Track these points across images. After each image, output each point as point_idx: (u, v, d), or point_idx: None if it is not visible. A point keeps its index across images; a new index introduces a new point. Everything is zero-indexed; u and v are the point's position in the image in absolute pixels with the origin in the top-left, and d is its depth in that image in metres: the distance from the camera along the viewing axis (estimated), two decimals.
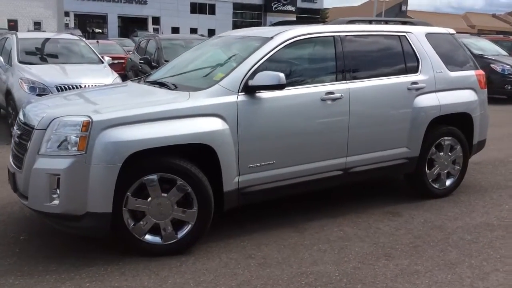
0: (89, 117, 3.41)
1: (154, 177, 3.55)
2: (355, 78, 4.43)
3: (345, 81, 4.36)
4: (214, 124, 3.72)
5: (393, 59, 4.78)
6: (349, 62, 4.42)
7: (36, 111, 3.85)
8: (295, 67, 4.41)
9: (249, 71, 3.93)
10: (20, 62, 8.34)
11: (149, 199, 3.59)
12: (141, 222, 3.61)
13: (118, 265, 3.50)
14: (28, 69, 8.08)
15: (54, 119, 3.49)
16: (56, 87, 7.46)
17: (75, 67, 8.54)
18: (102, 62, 9.05)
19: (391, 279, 3.38)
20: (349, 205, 4.79)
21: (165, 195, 3.60)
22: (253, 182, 3.97)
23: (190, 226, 3.68)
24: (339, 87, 4.32)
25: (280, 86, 3.86)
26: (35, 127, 3.55)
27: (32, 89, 7.49)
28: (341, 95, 4.28)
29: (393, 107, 4.63)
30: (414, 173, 4.91)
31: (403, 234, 4.15)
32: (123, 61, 15.57)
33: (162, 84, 4.27)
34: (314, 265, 3.56)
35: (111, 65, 9.32)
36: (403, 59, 4.78)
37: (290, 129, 4.07)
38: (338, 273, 3.45)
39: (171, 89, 4.08)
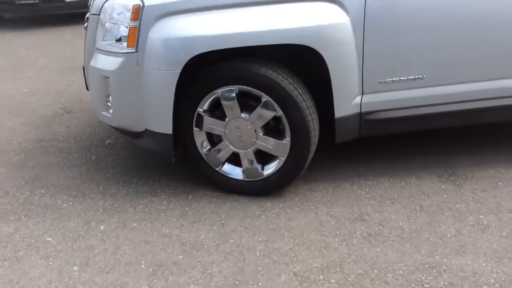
0: (141, 0, 2.43)
1: (230, 90, 2.50)
2: None
3: None
4: (323, 15, 2.41)
5: None
6: None
7: None
8: None
9: None
10: None
11: (226, 119, 2.59)
12: (216, 148, 2.67)
13: (183, 200, 2.70)
14: None
15: (106, 1, 2.60)
16: None
17: None
18: None
19: None
20: None
21: (246, 116, 2.55)
22: (385, 106, 2.64)
23: (279, 162, 2.61)
24: None
25: None
26: (90, 13, 2.74)
27: None
28: None
29: None
30: None
31: None
32: None
33: None
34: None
35: None
36: None
37: (460, 24, 2.51)
38: None
39: None
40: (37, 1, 8.00)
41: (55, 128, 3.74)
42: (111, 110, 2.67)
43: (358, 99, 2.59)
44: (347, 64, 2.49)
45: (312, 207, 2.58)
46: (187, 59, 2.39)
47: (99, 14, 2.64)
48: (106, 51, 2.59)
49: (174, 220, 2.52)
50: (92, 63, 2.70)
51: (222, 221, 2.48)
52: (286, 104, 2.46)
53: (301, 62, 2.61)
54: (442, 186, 2.72)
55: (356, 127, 2.67)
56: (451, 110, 2.70)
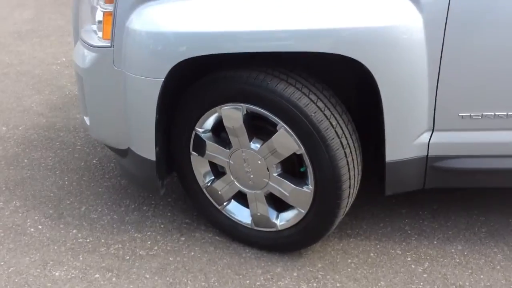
0: None
1: (235, 108, 1.76)
2: None
3: None
4: (382, 14, 1.56)
5: None
6: None
7: None
8: None
9: None
10: None
11: (231, 147, 1.86)
12: (219, 182, 1.96)
13: (172, 242, 2.05)
14: None
15: None
16: None
17: None
18: None
19: None
20: None
21: (257, 147, 1.80)
22: (466, 150, 1.76)
23: (298, 214, 1.85)
24: None
25: None
26: None
27: None
28: None
29: None
30: None
31: None
32: None
33: None
34: None
35: None
36: None
37: None
38: None
39: None
40: None
41: (70, 114, 3.23)
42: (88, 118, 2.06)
43: (425, 137, 1.73)
44: (411, 86, 1.63)
45: (338, 285, 1.81)
46: (173, 64, 1.67)
47: None
48: (83, 41, 1.94)
49: (147, 276, 1.89)
50: (74, 51, 2.08)
51: None
52: (311, 139, 1.67)
53: (347, 79, 1.80)
54: None
55: (420, 176, 1.82)
56: None
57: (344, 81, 1.86)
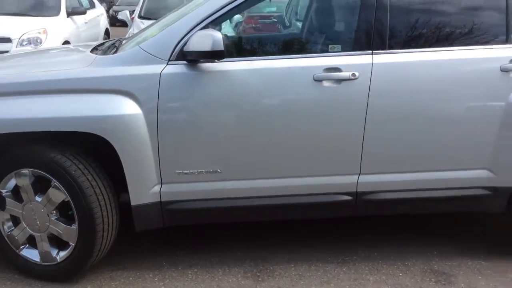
0: None
1: (23, 172, 2.53)
2: (392, 46, 2.65)
3: (368, 51, 2.62)
4: (114, 106, 2.49)
5: (481, 13, 2.76)
6: (383, 17, 2.63)
7: None
8: (278, 25, 2.95)
9: (192, 29, 2.54)
10: None
11: (23, 202, 2.60)
12: (15, 230, 2.66)
13: None
14: None
15: None
16: None
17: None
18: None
19: None
20: (380, 247, 3.06)
21: (40, 199, 2.56)
22: (186, 196, 2.66)
23: (71, 247, 2.59)
24: (352, 60, 2.61)
25: (215, 54, 2.41)
26: None
27: None
28: (355, 74, 2.58)
29: (462, 99, 2.68)
30: (506, 214, 2.90)
31: None
32: None
33: (111, 47, 3.09)
34: None
35: None
36: (503, 15, 2.73)
37: (251, 124, 2.59)
38: None
39: (96, 53, 2.91)
40: None
41: None
42: None
43: (157, 188, 2.61)
44: (141, 153, 2.53)
45: None
46: None
47: None
48: None
49: None
50: None
51: None
52: (73, 189, 2.48)
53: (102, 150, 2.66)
54: (242, 282, 2.67)
55: (158, 216, 2.66)
56: (260, 204, 2.71)
57: (98, 149, 2.67)
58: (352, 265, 2.85)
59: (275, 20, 8.27)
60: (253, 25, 8.85)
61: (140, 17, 7.95)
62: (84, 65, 2.59)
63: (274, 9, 9.98)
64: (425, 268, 2.84)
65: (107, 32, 10.19)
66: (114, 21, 15.14)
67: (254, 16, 9.49)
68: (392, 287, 2.66)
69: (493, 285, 2.69)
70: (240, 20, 8.96)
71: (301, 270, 2.80)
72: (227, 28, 7.65)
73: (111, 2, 25.98)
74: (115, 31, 11.77)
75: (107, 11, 21.25)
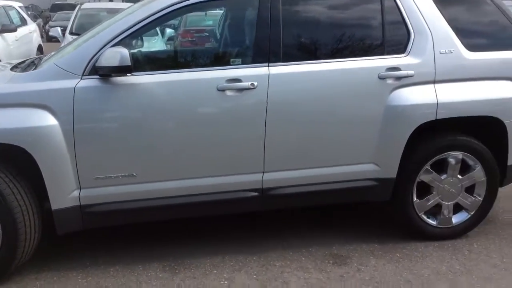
0: None
1: None
2: (286, 58, 3.01)
3: (265, 64, 2.98)
4: (32, 119, 2.71)
5: (361, 29, 3.19)
6: (277, 33, 2.99)
7: None
8: (210, 39, 3.18)
9: (104, 46, 2.81)
10: None
11: None
12: None
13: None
14: None
15: None
16: None
17: None
18: None
19: None
20: (288, 238, 3.41)
21: None
22: (103, 199, 2.90)
23: None
24: (251, 71, 2.96)
25: (123, 69, 2.70)
26: None
27: None
28: (254, 84, 2.92)
29: (344, 104, 3.08)
30: (393, 202, 3.33)
31: None
32: None
33: (30, 64, 3.29)
34: None
35: None
36: (380, 31, 3.16)
37: (161, 130, 2.88)
38: None
39: (16, 71, 3.12)
40: None
41: None
42: None
43: (76, 193, 2.84)
44: (59, 161, 2.76)
45: None
46: None
47: None
48: None
49: None
50: None
51: None
52: None
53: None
54: (160, 275, 2.94)
55: (78, 219, 2.89)
56: (176, 203, 2.99)
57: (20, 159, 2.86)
58: (261, 254, 3.17)
59: (207, 34, 8.61)
60: (189, 39, 9.17)
61: (71, 33, 8.07)
62: (2, 82, 2.79)
63: (210, 22, 10.31)
64: (326, 252, 3.20)
65: (40, 48, 10.18)
66: (50, 37, 14.98)
67: (190, 30, 9.82)
68: (294, 269, 3.01)
69: (381, 263, 3.09)
70: (172, 35, 9.23)
71: (215, 262, 3.09)
72: (159, 42, 7.93)
73: (48, 18, 25.60)
74: (50, 47, 11.66)
75: (43, 27, 20.98)
